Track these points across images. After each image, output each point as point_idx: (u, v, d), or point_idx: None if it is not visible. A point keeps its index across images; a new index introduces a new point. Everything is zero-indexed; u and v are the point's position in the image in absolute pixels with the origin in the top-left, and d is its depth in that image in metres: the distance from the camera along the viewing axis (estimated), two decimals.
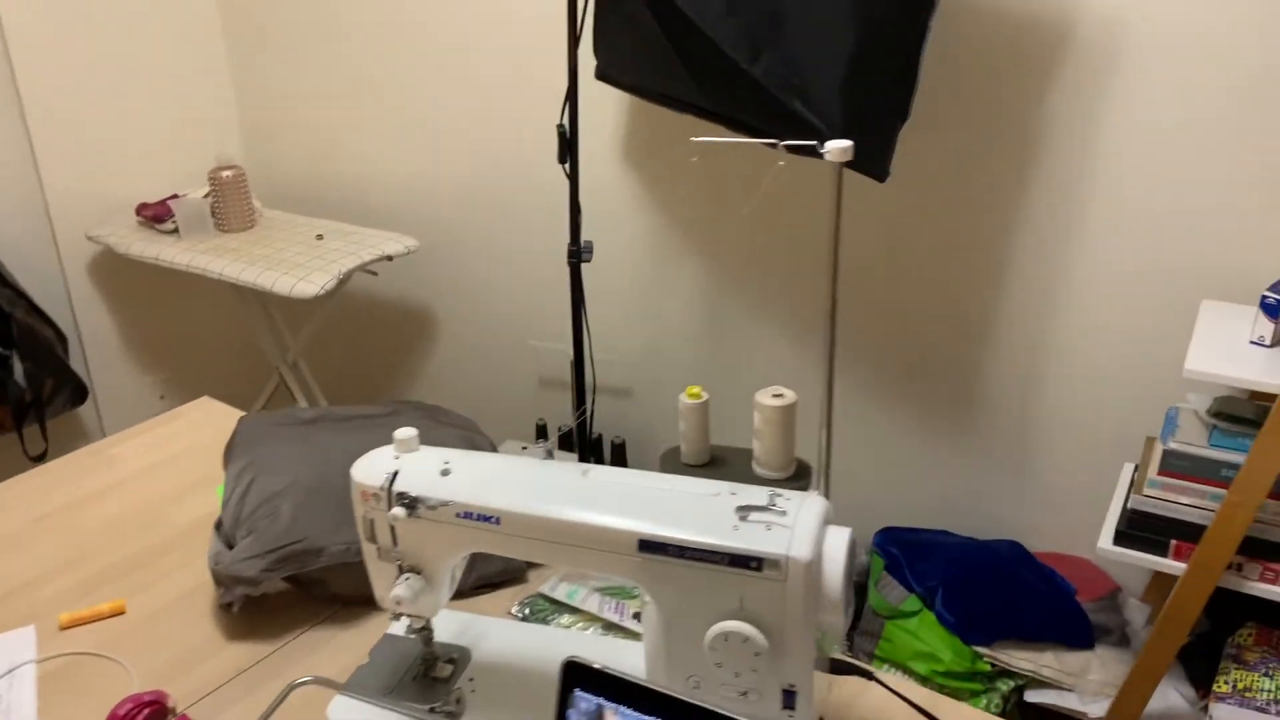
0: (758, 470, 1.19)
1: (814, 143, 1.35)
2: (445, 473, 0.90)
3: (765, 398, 1.17)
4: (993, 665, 1.84)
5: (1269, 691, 1.66)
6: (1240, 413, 1.64)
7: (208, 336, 3.07)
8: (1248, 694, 1.67)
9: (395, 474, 0.90)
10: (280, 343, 2.78)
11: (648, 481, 0.87)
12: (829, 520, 0.83)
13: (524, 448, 2.50)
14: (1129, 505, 1.68)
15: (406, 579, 0.92)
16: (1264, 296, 1.57)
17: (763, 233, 2.22)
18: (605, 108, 2.29)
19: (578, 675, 0.70)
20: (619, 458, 2.54)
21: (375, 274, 2.56)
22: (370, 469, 0.92)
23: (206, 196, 2.61)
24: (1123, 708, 1.74)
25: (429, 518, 0.89)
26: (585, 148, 2.31)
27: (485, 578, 1.20)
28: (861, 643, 1.96)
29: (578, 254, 1.99)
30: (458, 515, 0.88)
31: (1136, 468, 1.82)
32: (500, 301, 2.69)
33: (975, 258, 2.00)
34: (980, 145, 1.93)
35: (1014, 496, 2.13)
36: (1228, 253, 1.77)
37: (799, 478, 1.16)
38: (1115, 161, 1.82)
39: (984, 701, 1.82)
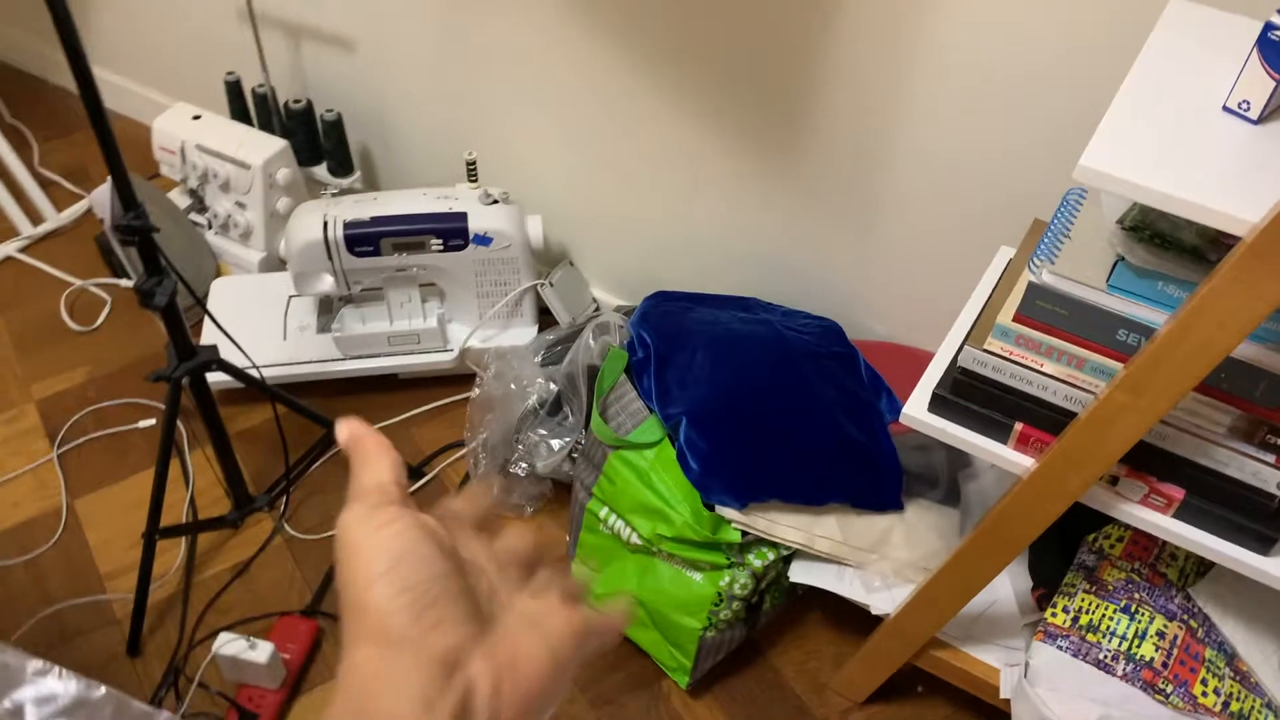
0: None
1: None
2: None
3: None
4: (745, 534, 1.26)
5: (1124, 640, 1.08)
6: (1178, 234, 0.90)
7: None
8: (1090, 636, 1.10)
9: None
10: None
11: None
12: None
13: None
14: (958, 359, 1.00)
15: None
16: (1270, 26, 0.77)
17: None
18: None
19: None
20: (338, 136, 1.79)
21: None
22: None
23: None
24: (914, 616, 1.18)
25: None
26: None
27: None
28: (583, 472, 1.36)
29: None
30: None
31: (1010, 262, 1.12)
32: None
33: None
34: None
35: (848, 257, 1.43)
36: None
37: None
38: None
39: (726, 577, 1.25)
